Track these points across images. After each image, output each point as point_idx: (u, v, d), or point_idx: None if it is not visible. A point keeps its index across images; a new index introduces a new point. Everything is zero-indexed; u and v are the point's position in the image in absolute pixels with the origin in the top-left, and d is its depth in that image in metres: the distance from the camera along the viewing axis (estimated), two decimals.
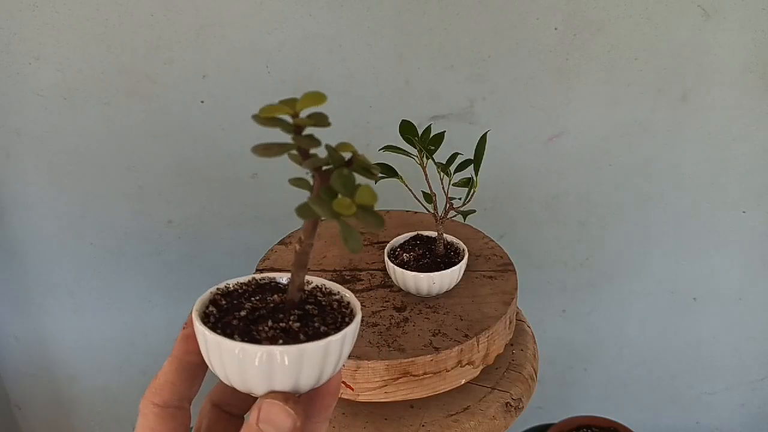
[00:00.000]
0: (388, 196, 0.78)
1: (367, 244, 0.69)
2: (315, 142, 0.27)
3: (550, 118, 0.89)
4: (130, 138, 0.89)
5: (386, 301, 0.59)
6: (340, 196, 0.25)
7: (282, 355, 0.27)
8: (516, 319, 0.64)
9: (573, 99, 0.87)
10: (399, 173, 0.59)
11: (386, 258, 0.60)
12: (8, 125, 0.88)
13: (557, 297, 1.04)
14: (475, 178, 0.56)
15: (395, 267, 0.58)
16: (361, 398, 0.54)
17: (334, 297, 0.32)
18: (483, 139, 0.57)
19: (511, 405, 0.57)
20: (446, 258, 0.60)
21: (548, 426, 1.02)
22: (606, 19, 0.82)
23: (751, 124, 0.89)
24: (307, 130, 0.27)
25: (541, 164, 0.92)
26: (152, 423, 0.30)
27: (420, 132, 0.57)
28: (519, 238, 0.98)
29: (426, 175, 0.58)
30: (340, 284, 0.33)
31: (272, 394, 0.28)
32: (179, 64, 0.84)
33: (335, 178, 0.26)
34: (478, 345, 0.55)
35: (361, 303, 0.58)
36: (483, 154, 0.56)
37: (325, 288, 0.33)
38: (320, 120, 0.27)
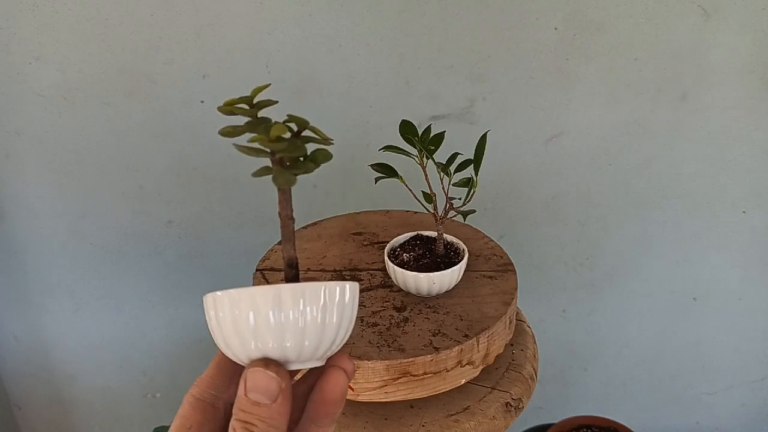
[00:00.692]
0: (388, 196, 0.79)
1: (366, 244, 0.69)
2: (267, 120, 0.31)
3: (550, 118, 0.89)
4: (130, 138, 0.89)
5: (386, 301, 0.59)
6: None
7: (235, 296, 0.29)
8: (516, 319, 0.64)
9: (573, 99, 0.87)
10: (399, 173, 0.59)
11: (386, 258, 0.60)
12: (8, 125, 0.87)
13: (557, 297, 1.04)
14: (475, 178, 0.56)
15: (395, 267, 0.58)
16: (361, 398, 0.54)
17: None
18: (483, 139, 0.57)
19: (511, 405, 0.57)
20: (446, 258, 0.60)
21: (548, 426, 1.02)
22: (606, 19, 0.82)
23: (751, 124, 0.89)
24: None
25: (540, 164, 0.92)
26: (186, 411, 0.32)
27: (420, 132, 0.57)
28: (519, 238, 0.98)
29: (426, 175, 0.58)
30: None
31: (254, 362, 0.29)
32: (179, 64, 0.84)
33: (257, 127, 0.30)
34: (478, 345, 0.55)
35: (361, 303, 0.58)
36: (483, 154, 0.56)
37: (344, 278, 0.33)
38: (269, 102, 0.32)
